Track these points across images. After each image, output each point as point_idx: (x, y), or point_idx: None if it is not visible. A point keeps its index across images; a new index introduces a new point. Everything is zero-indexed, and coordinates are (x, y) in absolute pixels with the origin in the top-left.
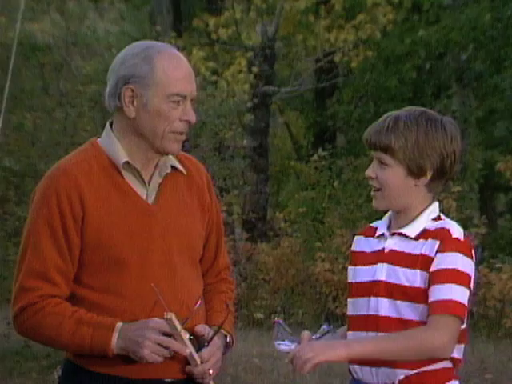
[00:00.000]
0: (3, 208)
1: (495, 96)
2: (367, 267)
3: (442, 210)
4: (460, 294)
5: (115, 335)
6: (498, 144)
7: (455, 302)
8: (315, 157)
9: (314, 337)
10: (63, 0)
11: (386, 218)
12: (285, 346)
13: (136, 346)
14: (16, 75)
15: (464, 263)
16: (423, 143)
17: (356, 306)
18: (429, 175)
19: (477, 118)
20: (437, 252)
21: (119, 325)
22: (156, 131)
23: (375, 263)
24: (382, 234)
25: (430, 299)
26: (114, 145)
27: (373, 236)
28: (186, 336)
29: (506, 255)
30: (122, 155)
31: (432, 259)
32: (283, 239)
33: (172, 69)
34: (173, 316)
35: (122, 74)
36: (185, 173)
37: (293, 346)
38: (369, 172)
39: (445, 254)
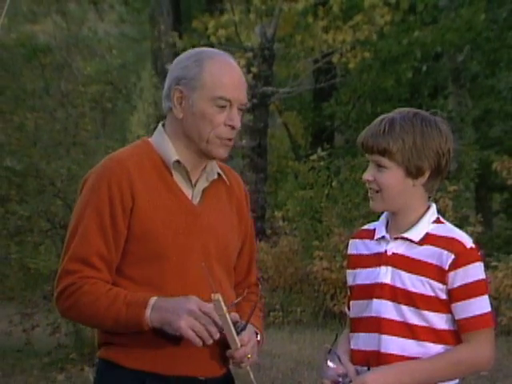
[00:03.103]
0: (5, 207)
1: (491, 97)
2: (368, 269)
3: (438, 210)
4: (487, 303)
5: (149, 308)
6: (493, 144)
7: (488, 314)
8: (314, 156)
9: (329, 364)
10: (64, 2)
11: (382, 219)
12: (332, 375)
13: (174, 316)
14: (18, 76)
15: (482, 269)
16: (420, 144)
17: (358, 308)
18: (427, 175)
19: (473, 118)
20: (453, 265)
21: (154, 298)
22: (201, 134)
23: (378, 266)
24: (383, 237)
25: (464, 315)
26: (165, 144)
27: (370, 238)
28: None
29: (501, 254)
30: (172, 154)
31: (446, 271)
32: (282, 238)
33: (220, 73)
34: (220, 297)
35: (175, 76)
36: (227, 183)
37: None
38: (367, 176)
39: (466, 267)
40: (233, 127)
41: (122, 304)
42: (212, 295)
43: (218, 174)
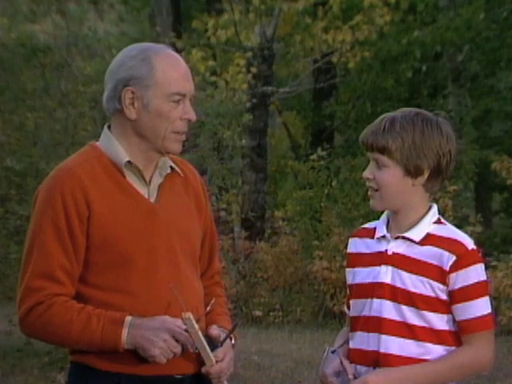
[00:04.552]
0: (5, 207)
1: (491, 96)
2: (368, 268)
3: (438, 210)
4: (488, 304)
5: (125, 330)
6: (493, 144)
7: (488, 316)
8: (313, 156)
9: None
10: (64, 2)
11: (383, 218)
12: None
13: (149, 344)
14: (18, 76)
15: (483, 271)
16: (420, 143)
17: (358, 307)
18: (426, 175)
19: (472, 118)
20: (455, 267)
21: (128, 319)
22: (157, 132)
23: (378, 265)
24: (384, 236)
25: (464, 316)
26: (114, 146)
27: (370, 237)
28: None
29: (500, 253)
30: (123, 155)
31: (446, 272)
32: (281, 238)
33: (171, 68)
34: (191, 315)
35: (122, 77)
36: (181, 174)
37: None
38: (366, 173)
39: (467, 269)
40: (189, 120)
41: (96, 327)
42: (182, 314)
43: (172, 168)
